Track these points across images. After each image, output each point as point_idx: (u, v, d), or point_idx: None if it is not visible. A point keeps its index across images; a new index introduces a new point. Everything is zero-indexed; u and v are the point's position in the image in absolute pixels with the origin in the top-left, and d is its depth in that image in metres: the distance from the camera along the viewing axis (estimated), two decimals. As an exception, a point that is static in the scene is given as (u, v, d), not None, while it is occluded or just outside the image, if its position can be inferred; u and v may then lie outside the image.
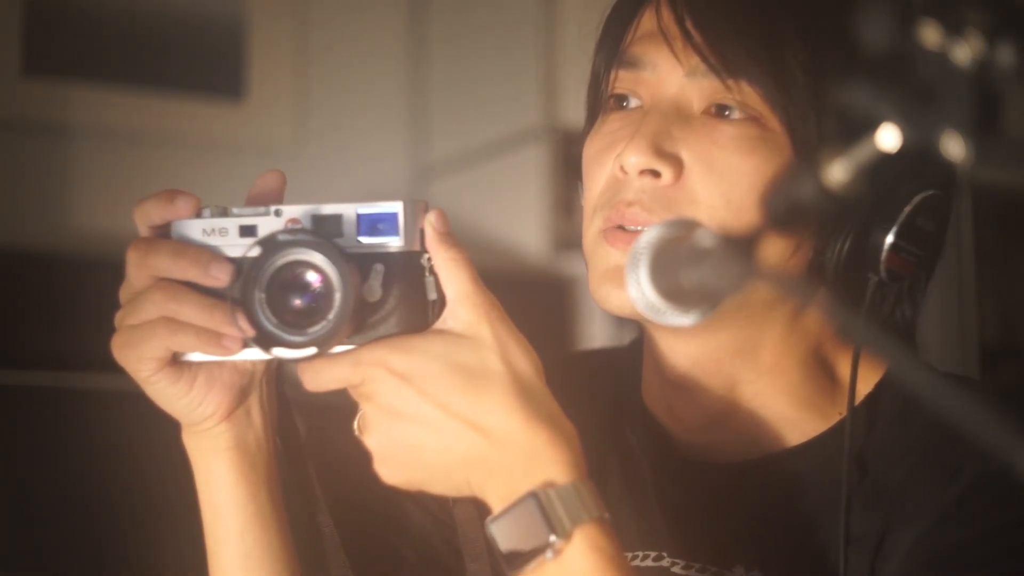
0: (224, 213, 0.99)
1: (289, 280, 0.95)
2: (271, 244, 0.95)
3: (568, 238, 2.70)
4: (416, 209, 0.98)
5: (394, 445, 0.96)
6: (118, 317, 1.01)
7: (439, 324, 0.97)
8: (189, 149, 2.63)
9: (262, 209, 0.98)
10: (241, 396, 1.04)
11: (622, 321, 1.10)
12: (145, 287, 0.98)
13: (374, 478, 0.98)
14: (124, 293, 1.01)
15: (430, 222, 0.98)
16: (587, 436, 1.07)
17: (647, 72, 1.08)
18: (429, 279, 0.98)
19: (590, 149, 1.12)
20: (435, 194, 2.90)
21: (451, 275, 0.97)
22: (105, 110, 2.58)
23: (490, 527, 0.93)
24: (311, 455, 1.10)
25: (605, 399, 1.22)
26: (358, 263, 0.96)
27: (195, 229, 0.99)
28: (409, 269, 0.98)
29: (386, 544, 1.23)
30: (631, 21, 1.11)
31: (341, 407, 1.00)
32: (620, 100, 1.11)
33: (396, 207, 0.97)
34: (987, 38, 0.63)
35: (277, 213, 0.98)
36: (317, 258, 0.95)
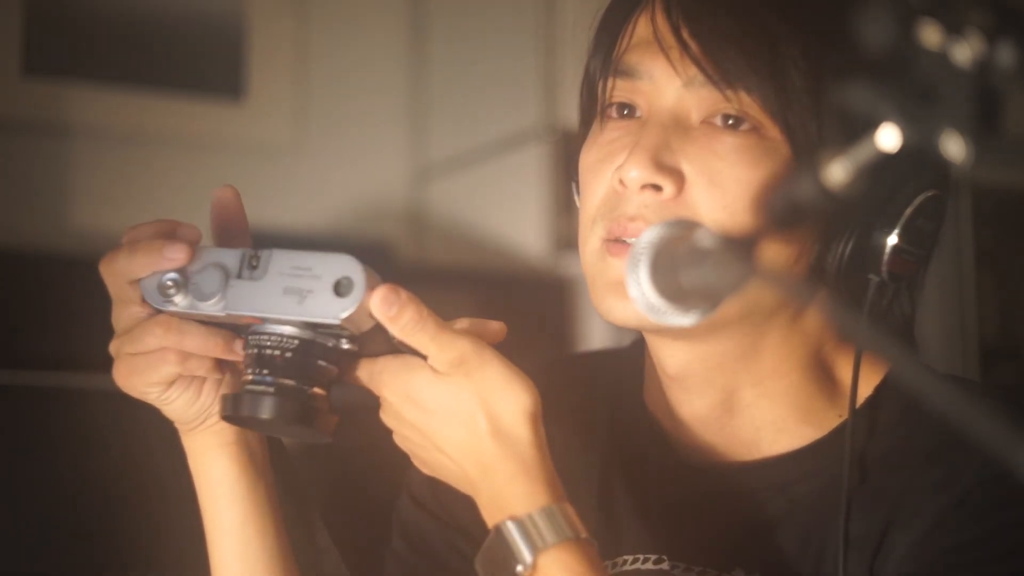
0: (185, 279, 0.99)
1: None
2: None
3: (568, 238, 2.70)
4: (360, 312, 0.96)
5: (409, 451, 1.02)
6: (114, 346, 1.02)
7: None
8: (189, 149, 2.62)
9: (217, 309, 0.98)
10: None
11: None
12: (137, 316, 1.00)
13: (369, 477, 1.02)
14: (116, 320, 1.02)
15: (376, 309, 0.96)
16: (587, 439, 1.07)
17: (643, 82, 1.07)
18: (398, 343, 0.99)
19: (587, 158, 1.10)
20: (435, 194, 2.90)
21: (418, 344, 0.98)
22: (105, 110, 2.58)
23: (476, 563, 0.98)
24: (306, 453, 1.14)
25: (606, 401, 1.22)
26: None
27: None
28: (376, 341, 0.99)
29: (382, 542, 1.24)
30: (625, 26, 1.09)
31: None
32: (618, 109, 1.09)
33: (337, 324, 0.97)
34: (987, 38, 0.63)
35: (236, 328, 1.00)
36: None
